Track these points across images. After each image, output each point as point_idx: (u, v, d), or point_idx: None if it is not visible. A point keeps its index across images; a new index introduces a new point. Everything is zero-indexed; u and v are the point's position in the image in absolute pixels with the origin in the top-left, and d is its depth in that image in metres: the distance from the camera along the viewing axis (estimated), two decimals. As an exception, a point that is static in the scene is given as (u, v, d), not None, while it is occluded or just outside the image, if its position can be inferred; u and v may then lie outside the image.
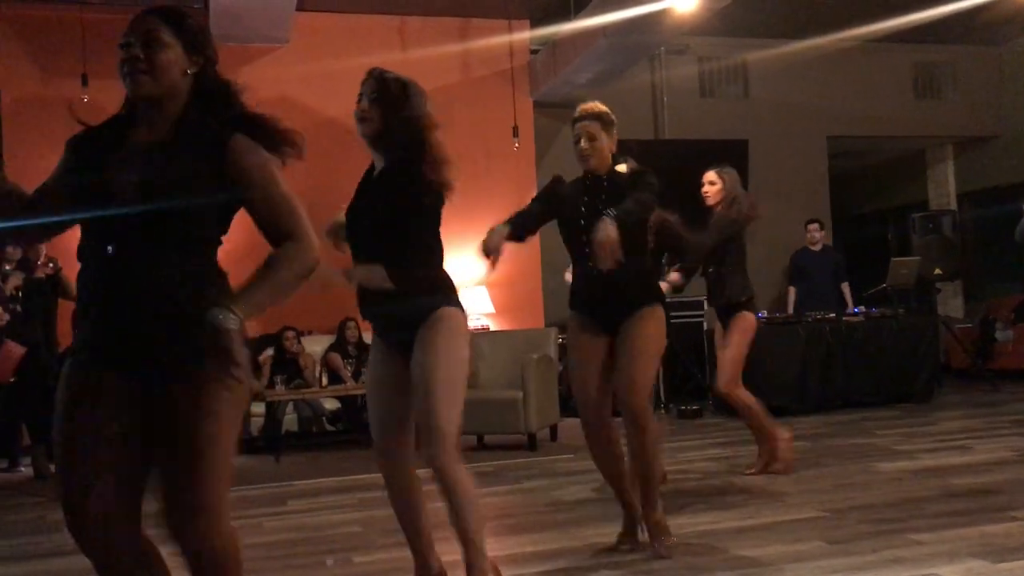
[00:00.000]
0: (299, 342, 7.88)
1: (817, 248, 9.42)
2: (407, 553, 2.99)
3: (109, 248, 1.93)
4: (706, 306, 9.01)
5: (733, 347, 5.24)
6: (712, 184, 5.30)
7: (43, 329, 6.69)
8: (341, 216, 2.96)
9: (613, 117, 3.70)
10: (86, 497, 1.91)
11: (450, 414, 2.73)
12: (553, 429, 7.09)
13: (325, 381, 7.79)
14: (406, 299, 2.79)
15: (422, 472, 2.85)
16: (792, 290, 9.44)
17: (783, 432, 5.23)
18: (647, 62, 10.02)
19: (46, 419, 6.74)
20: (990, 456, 5.32)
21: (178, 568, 2.01)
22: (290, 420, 7.63)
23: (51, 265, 6.47)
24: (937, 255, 9.45)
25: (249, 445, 7.38)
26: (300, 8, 8.10)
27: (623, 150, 3.77)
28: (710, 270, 5.30)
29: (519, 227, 3.54)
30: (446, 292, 2.87)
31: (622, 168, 3.66)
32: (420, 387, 2.75)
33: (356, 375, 7.63)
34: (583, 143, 3.65)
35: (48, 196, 2.05)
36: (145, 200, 1.91)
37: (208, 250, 2.04)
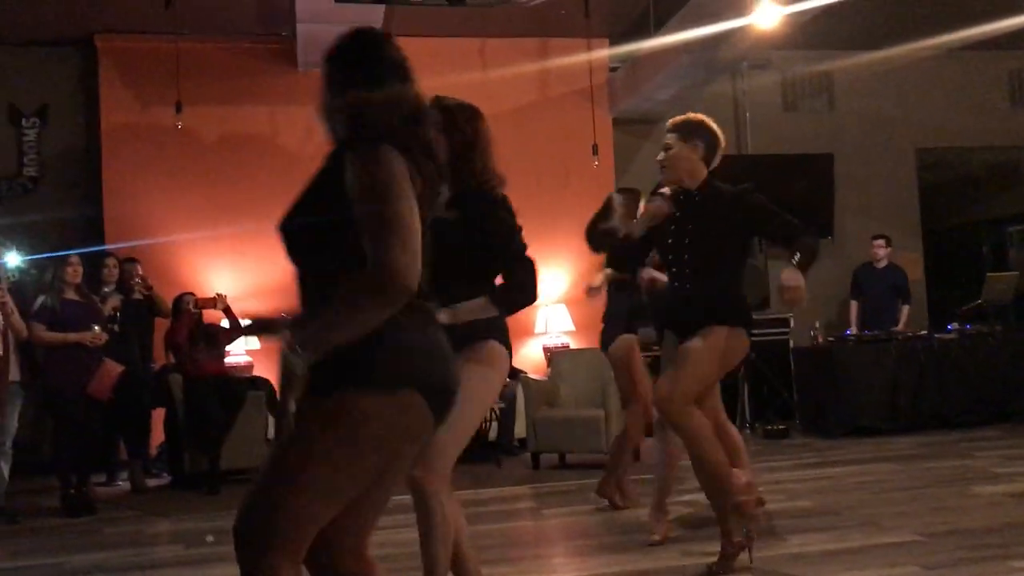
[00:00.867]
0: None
1: (880, 265, 9.08)
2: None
3: None
4: (792, 324, 8.87)
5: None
6: None
7: (139, 348, 6.96)
8: None
9: (699, 126, 3.65)
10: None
11: (449, 450, 2.68)
12: (635, 447, 7.02)
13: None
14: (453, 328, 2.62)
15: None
16: (854, 304, 9.15)
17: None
18: (728, 76, 9.91)
19: (143, 434, 7.00)
20: (1098, 480, 5.08)
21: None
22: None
23: (140, 283, 6.83)
24: (1036, 269, 9.08)
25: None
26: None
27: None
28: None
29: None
30: (491, 325, 2.79)
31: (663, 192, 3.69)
32: None
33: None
34: (660, 155, 3.66)
35: None
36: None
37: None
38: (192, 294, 7.15)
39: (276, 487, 1.83)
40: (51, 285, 5.99)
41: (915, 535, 3.98)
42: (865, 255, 9.13)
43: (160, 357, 7.24)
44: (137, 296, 6.95)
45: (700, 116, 3.73)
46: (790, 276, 3.39)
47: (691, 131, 3.63)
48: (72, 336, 5.89)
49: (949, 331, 8.20)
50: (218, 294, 7.12)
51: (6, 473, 5.83)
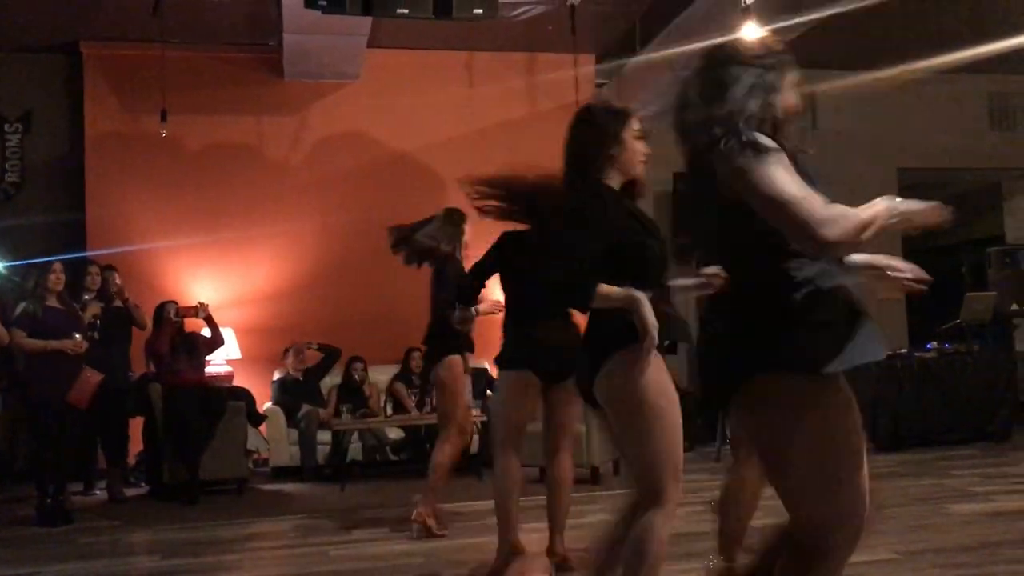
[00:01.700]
0: (365, 371, 8.00)
1: None
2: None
3: None
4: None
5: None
6: None
7: (119, 356, 6.91)
8: None
9: None
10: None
11: None
12: (616, 463, 7.03)
13: (389, 411, 7.86)
14: None
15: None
16: None
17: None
18: (713, 94, 9.99)
19: (121, 443, 6.95)
20: (1072, 500, 5.13)
21: None
22: (355, 449, 7.71)
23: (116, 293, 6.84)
24: (1014, 290, 9.19)
25: (315, 473, 7.48)
26: (371, 45, 8.29)
27: None
28: None
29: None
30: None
31: None
32: None
33: (420, 405, 7.69)
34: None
35: None
36: None
37: None
38: (174, 302, 7.12)
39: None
40: (33, 292, 5.94)
41: (891, 553, 4.00)
42: (846, 274, 9.19)
43: (140, 366, 7.20)
44: (117, 304, 6.91)
45: None
46: None
47: None
48: (53, 343, 5.84)
49: (928, 350, 8.26)
50: (200, 303, 7.10)
51: (-19, 481, 5.78)
